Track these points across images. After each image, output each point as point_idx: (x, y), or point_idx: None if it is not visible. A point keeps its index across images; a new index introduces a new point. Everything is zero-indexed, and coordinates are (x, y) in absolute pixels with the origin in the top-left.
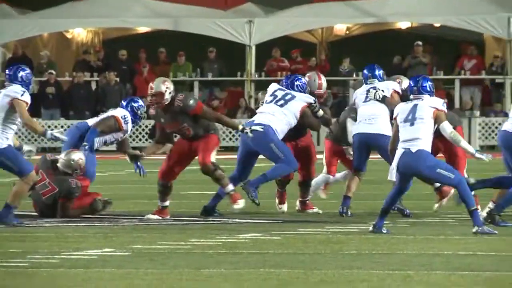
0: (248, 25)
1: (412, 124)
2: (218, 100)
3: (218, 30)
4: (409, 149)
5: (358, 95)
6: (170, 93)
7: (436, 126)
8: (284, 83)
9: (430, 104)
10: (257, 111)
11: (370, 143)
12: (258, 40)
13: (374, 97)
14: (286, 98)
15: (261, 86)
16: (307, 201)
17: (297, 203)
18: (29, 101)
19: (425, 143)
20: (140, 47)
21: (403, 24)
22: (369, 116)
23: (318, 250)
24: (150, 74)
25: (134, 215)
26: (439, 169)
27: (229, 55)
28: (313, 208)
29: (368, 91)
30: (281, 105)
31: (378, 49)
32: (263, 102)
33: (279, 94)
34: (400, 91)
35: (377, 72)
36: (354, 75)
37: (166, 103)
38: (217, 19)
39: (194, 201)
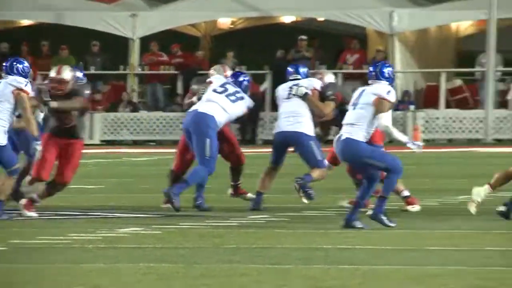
0: (131, 19)
1: (354, 109)
2: (100, 94)
3: (101, 23)
4: (340, 136)
5: (280, 91)
6: (72, 83)
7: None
8: (233, 79)
9: (373, 91)
10: (203, 98)
11: (290, 141)
12: (142, 34)
13: (296, 93)
14: (237, 95)
15: (145, 80)
16: (239, 185)
17: (229, 188)
18: (30, 93)
19: (360, 130)
20: (22, 40)
21: (287, 18)
22: (290, 114)
23: (198, 244)
24: (32, 67)
25: (12, 210)
26: (367, 159)
27: (113, 48)
28: (246, 193)
29: (290, 87)
30: (233, 101)
31: (263, 43)
32: (202, 93)
33: (230, 89)
34: (320, 89)
35: (301, 70)
36: (238, 69)
37: (66, 92)
38: (101, 13)
39: (75, 195)
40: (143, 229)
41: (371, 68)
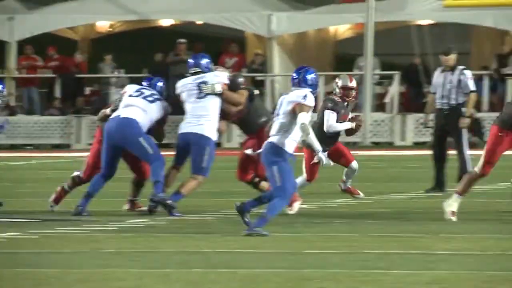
0: (9, 22)
1: (277, 119)
2: None
3: None
4: (268, 141)
5: (183, 88)
6: None
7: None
8: (147, 83)
9: (290, 99)
10: (121, 105)
11: (190, 143)
12: (20, 37)
13: (213, 92)
14: (154, 97)
15: (21, 83)
16: (136, 201)
17: (125, 204)
18: None
19: (285, 139)
20: None
21: (166, 22)
22: (195, 115)
23: (76, 249)
24: None
25: None
26: (274, 166)
27: None
28: (141, 207)
29: (199, 86)
30: (151, 101)
31: (142, 46)
32: (118, 104)
33: (146, 92)
34: (228, 82)
35: (202, 61)
36: (116, 73)
37: None
38: None
39: None
40: (20, 234)
41: (294, 75)
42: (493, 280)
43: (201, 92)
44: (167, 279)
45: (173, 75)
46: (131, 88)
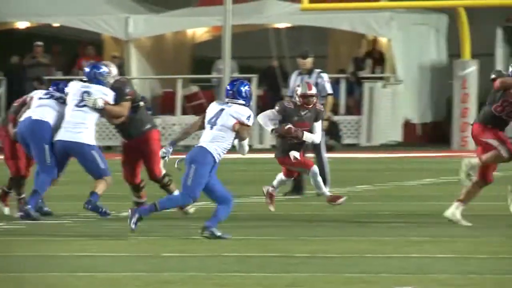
0: None
1: (211, 128)
2: None
3: None
4: (199, 145)
5: (72, 92)
6: None
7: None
8: (54, 88)
9: (233, 114)
10: (32, 105)
11: (70, 151)
12: None
13: (93, 106)
14: (65, 99)
15: None
16: (22, 199)
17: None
18: None
19: (216, 146)
20: None
21: (22, 24)
22: (76, 123)
23: None
24: None
25: None
26: (194, 167)
27: None
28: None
29: (82, 95)
30: (62, 102)
31: None
32: (27, 108)
33: (56, 94)
34: (111, 101)
35: (93, 71)
36: None
37: None
38: None
39: None
40: None
41: (228, 87)
42: (351, 282)
43: (82, 101)
44: (22, 282)
45: (30, 77)
46: (39, 93)
